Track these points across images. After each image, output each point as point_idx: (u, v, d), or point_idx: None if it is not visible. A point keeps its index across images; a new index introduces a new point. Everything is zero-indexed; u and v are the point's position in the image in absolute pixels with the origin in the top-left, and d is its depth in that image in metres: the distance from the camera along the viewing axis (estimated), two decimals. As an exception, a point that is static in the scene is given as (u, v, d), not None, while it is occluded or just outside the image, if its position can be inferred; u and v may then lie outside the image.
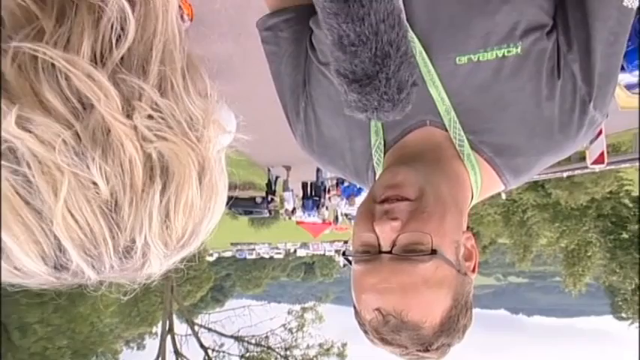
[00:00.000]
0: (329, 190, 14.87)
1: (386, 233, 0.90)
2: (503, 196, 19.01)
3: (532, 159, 1.04)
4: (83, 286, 0.55)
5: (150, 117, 0.50)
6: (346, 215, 17.67)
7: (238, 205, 16.18)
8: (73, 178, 0.47)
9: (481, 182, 1.04)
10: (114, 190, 0.49)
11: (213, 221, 0.60)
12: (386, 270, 0.89)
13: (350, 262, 0.96)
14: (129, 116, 0.49)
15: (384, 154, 1.10)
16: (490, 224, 26.16)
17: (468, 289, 0.95)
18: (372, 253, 0.92)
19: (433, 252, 0.88)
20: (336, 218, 18.09)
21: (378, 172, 1.11)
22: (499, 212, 25.29)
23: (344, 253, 0.97)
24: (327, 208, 15.40)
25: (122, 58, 0.50)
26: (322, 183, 14.12)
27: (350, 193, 13.27)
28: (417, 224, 0.90)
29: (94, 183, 0.48)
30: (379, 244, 0.91)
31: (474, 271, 0.98)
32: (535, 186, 20.88)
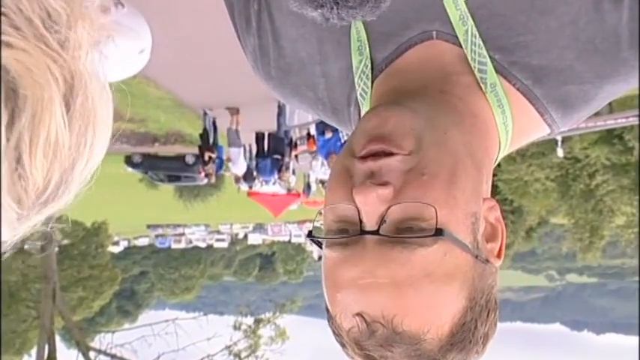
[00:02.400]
0: (296, 145, 14.92)
1: (370, 205, 0.92)
2: (560, 153, 19.31)
3: (588, 87, 1.05)
4: None
5: None
6: (322, 183, 17.54)
7: (159, 166, 16.37)
8: None
9: (512, 124, 1.07)
10: None
11: (92, 162, 0.60)
12: (371, 258, 0.92)
13: (320, 246, 0.98)
14: None
15: (372, 81, 1.13)
16: (539, 196, 26.17)
17: (490, 283, 0.99)
18: (351, 234, 0.94)
19: (438, 231, 0.90)
20: (308, 187, 18.24)
21: (365, 107, 1.14)
22: (553, 177, 25.27)
23: (310, 234, 0.99)
24: (293, 171, 15.45)
25: None
26: (286, 133, 14.06)
27: (330, 150, 12.60)
28: (415, 191, 0.92)
29: None
30: (361, 221, 0.93)
31: (499, 256, 1.02)
32: (608, 137, 21.18)
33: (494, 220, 1.03)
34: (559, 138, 17.85)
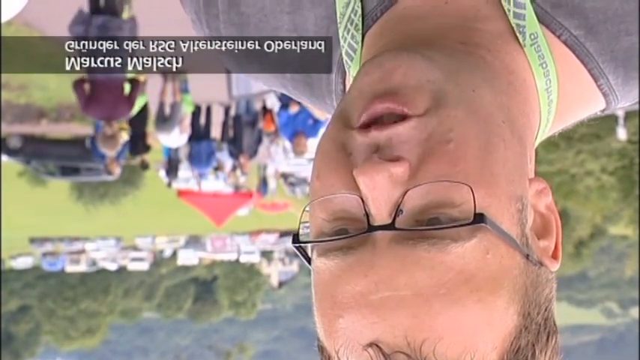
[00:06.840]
0: (252, 124, 14.07)
1: (381, 189, 0.85)
2: (622, 135, 18.08)
3: None
4: None
5: None
6: (285, 177, 16.80)
7: (48, 154, 15.05)
8: None
9: (558, 90, 1.03)
10: None
11: None
12: (386, 262, 0.84)
13: (308, 258, 0.94)
14: None
15: (363, 36, 1.10)
16: (592, 196, 24.23)
17: (547, 294, 0.92)
18: (354, 233, 0.88)
19: (478, 217, 0.83)
20: (264, 183, 16.76)
21: (353, 70, 1.10)
22: (612, 169, 23.21)
23: (296, 239, 0.94)
24: (242, 161, 14.45)
25: None
26: (248, 105, 13.27)
27: (297, 129, 11.48)
28: (440, 165, 0.86)
29: None
30: (367, 214, 0.86)
31: (555, 256, 0.96)
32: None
33: (546, 208, 0.96)
34: (620, 114, 16.74)
